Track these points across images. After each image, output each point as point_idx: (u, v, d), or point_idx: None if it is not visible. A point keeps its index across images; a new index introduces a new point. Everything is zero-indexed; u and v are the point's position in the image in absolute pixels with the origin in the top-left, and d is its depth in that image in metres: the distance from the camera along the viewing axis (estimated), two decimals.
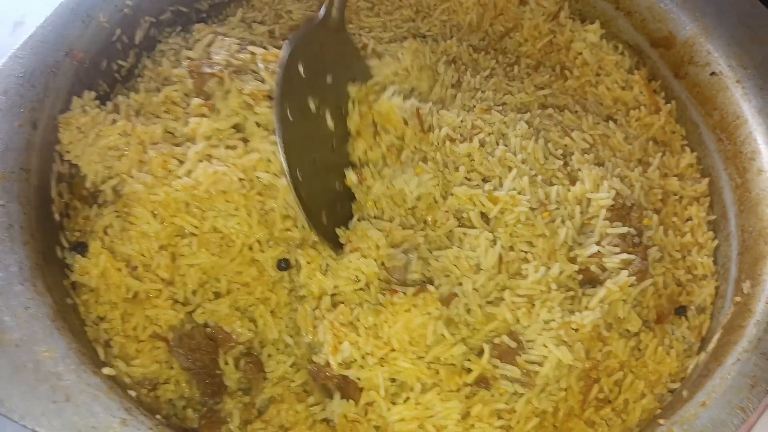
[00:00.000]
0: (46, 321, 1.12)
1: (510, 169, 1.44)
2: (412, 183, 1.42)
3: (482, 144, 1.47)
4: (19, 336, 1.09)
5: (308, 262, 1.35)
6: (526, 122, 1.54)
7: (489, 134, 1.49)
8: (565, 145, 1.56)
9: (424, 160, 1.46)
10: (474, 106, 1.56)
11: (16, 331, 1.10)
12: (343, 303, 1.33)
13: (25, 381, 1.05)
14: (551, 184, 1.46)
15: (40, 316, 1.12)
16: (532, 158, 1.48)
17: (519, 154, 1.47)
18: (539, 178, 1.44)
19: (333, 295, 1.35)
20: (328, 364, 1.27)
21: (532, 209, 1.38)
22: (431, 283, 1.34)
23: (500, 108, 1.59)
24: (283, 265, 1.40)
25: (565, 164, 1.51)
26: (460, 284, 1.31)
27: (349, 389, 1.27)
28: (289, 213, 1.38)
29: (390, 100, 1.48)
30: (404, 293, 1.28)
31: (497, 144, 1.48)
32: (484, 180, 1.45)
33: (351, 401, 1.27)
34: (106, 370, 1.13)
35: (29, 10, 2.39)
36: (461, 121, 1.50)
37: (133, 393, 1.15)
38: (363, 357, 1.27)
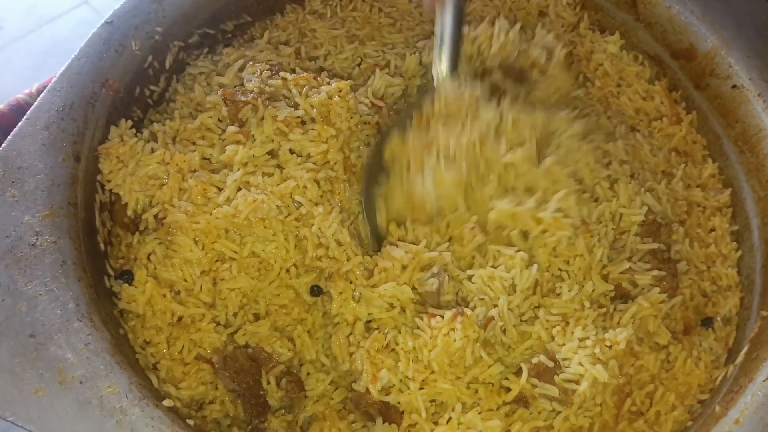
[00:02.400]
0: (106, 356, 1.16)
1: (554, 182, 1.44)
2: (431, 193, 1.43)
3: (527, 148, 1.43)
4: (82, 373, 1.14)
5: (340, 293, 1.39)
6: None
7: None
8: (607, 151, 1.59)
9: (453, 160, 1.44)
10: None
11: (79, 368, 1.14)
12: (377, 329, 1.38)
13: (92, 417, 1.10)
14: (594, 196, 1.50)
15: (100, 351, 1.17)
16: (582, 163, 1.49)
17: (569, 165, 1.47)
18: (586, 194, 1.47)
19: (368, 321, 1.39)
20: (368, 391, 1.32)
21: (575, 228, 1.41)
22: (465, 303, 1.39)
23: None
24: (315, 290, 1.44)
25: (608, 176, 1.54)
26: (495, 306, 1.36)
27: (390, 413, 1.32)
28: (321, 241, 1.42)
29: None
30: (442, 317, 1.32)
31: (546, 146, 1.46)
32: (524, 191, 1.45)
33: (393, 425, 1.32)
34: (166, 402, 1.18)
35: (5, 14, 2.42)
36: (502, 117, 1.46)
37: (191, 422, 1.20)
38: (402, 381, 1.32)
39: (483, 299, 1.36)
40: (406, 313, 1.38)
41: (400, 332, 1.35)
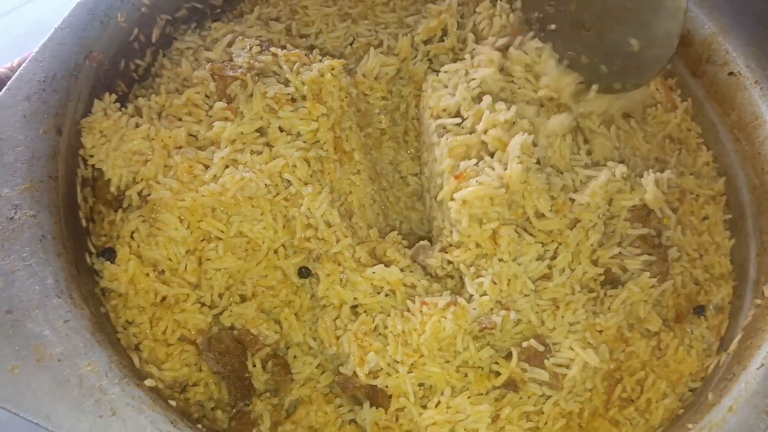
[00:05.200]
0: (86, 334, 1.13)
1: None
2: None
3: None
4: (61, 350, 1.10)
5: (327, 275, 1.36)
6: None
7: None
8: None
9: None
10: None
11: (57, 346, 1.10)
12: (365, 312, 1.35)
13: (70, 396, 1.06)
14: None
15: (80, 329, 1.13)
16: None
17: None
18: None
19: (354, 306, 1.36)
20: (355, 374, 1.29)
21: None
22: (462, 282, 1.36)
23: None
24: (304, 272, 1.41)
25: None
26: (507, 309, 1.32)
27: (377, 397, 1.29)
28: (310, 222, 1.39)
29: None
30: (435, 304, 1.29)
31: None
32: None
33: (381, 409, 1.29)
34: (147, 382, 1.14)
35: None
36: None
37: (173, 403, 1.16)
38: (389, 365, 1.29)
39: (501, 302, 1.33)
40: (396, 296, 1.36)
41: (389, 315, 1.33)
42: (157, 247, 1.36)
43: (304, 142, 1.43)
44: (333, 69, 1.47)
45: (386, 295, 1.36)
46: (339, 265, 1.38)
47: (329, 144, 1.47)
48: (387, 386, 1.30)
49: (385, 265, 1.37)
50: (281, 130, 1.43)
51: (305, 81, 1.43)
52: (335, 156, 1.48)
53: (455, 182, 1.37)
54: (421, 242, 1.46)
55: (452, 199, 1.36)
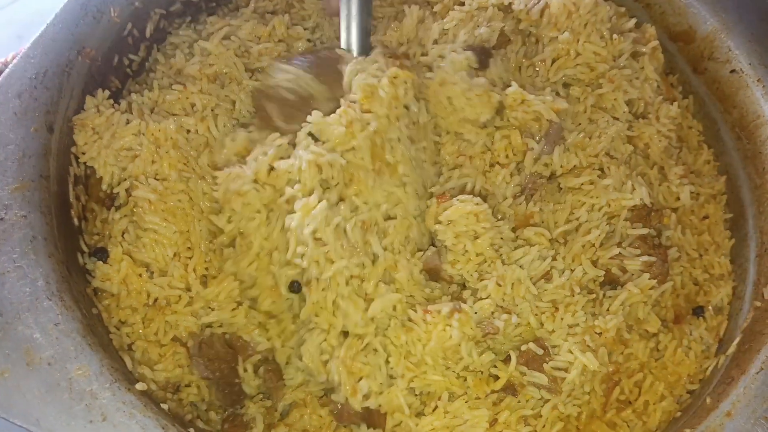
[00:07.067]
0: (76, 337, 1.11)
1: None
2: None
3: None
4: (51, 354, 1.09)
5: (313, 303, 1.29)
6: None
7: None
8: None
9: None
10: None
11: (47, 349, 1.09)
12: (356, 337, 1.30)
13: (60, 400, 1.05)
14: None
15: (71, 331, 1.11)
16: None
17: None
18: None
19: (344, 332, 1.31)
20: (347, 401, 1.27)
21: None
22: (471, 288, 1.34)
23: None
24: (295, 286, 1.35)
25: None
26: (508, 313, 1.30)
27: (373, 417, 1.28)
28: (302, 239, 1.32)
29: None
30: (438, 312, 1.27)
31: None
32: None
33: (378, 430, 1.28)
34: (138, 386, 1.13)
35: None
36: None
37: (166, 405, 1.15)
38: (381, 383, 1.27)
39: (502, 306, 1.30)
40: (396, 308, 1.31)
41: (389, 326, 1.30)
42: (145, 249, 1.34)
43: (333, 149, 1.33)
44: (396, 78, 1.37)
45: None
46: (331, 291, 1.28)
47: (365, 152, 1.34)
48: (380, 405, 1.28)
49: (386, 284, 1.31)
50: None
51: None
52: (371, 165, 1.35)
53: (436, 204, 1.36)
54: (434, 248, 1.39)
55: (438, 222, 1.34)
